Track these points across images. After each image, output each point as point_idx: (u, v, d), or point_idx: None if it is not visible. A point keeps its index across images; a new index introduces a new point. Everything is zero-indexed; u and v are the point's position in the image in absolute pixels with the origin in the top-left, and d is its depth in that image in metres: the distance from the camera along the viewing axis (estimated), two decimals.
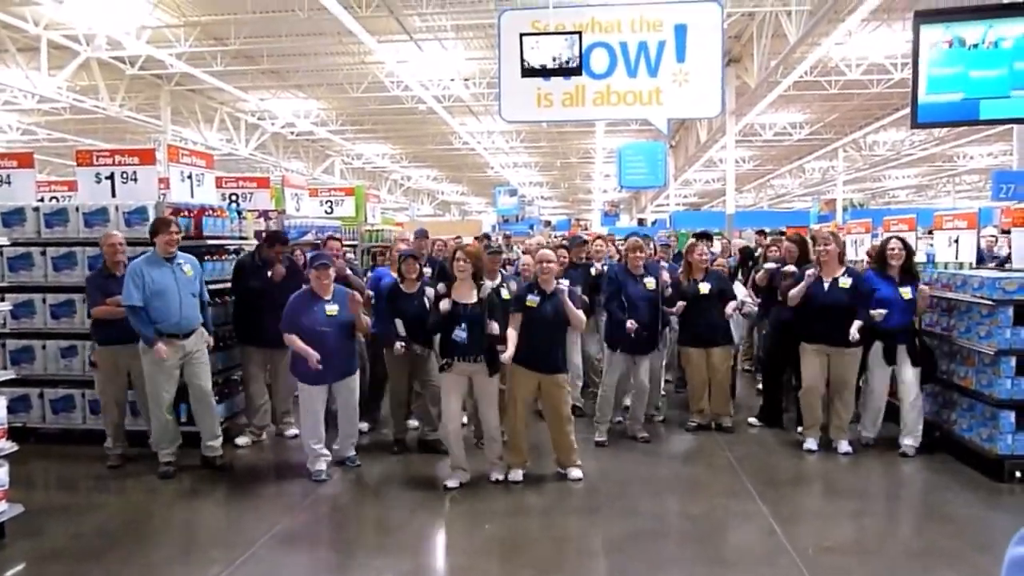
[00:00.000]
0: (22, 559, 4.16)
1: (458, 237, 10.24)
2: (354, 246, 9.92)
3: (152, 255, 5.32)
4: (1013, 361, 5.22)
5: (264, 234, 6.43)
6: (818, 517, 4.78)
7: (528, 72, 7.98)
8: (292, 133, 24.76)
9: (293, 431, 6.38)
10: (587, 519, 4.74)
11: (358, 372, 5.55)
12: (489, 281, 5.49)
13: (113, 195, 6.17)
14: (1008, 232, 8.56)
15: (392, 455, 5.93)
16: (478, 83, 18.34)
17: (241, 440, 6.22)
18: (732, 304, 6.38)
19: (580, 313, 5.31)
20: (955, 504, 4.88)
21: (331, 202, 11.14)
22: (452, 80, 17.35)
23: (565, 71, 7.90)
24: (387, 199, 34.77)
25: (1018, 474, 5.13)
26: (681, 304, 6.25)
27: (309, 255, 6.21)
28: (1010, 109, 5.45)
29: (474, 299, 5.13)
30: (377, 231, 11.03)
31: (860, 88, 17.88)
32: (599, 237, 8.48)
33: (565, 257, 6.99)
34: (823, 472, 5.58)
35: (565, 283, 5.40)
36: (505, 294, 5.32)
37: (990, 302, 5.27)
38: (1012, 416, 5.17)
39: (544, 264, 5.27)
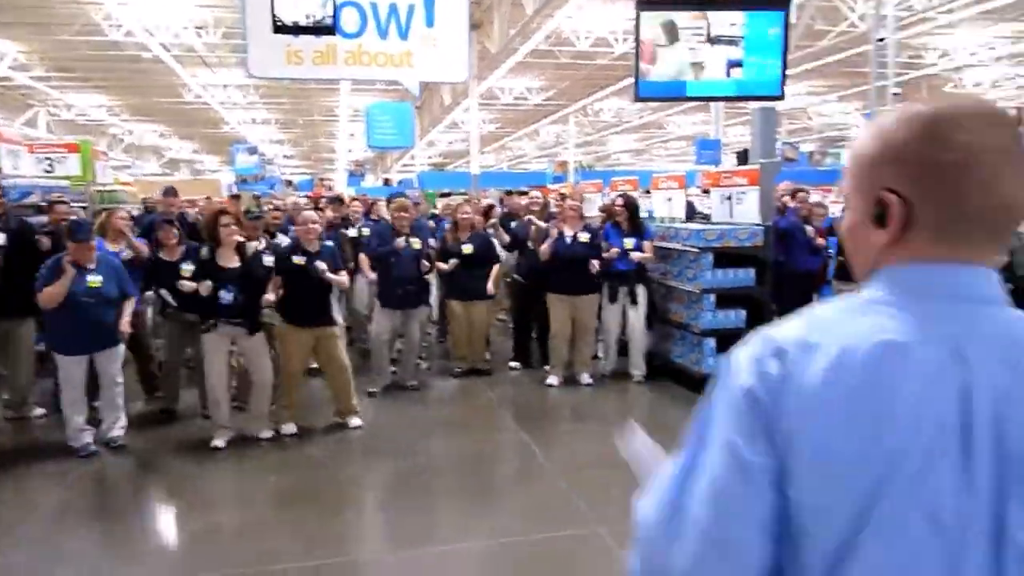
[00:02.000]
0: None
1: (207, 197, 9.80)
2: (85, 207, 9.07)
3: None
4: (713, 297, 6.35)
5: None
6: (569, 438, 5.54)
7: (280, 29, 7.85)
8: None
9: (39, 411, 5.87)
10: (367, 462, 5.06)
11: (121, 345, 5.26)
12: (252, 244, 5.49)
13: None
14: (708, 192, 10.15)
15: (160, 426, 5.74)
16: (213, 32, 17.18)
17: None
18: (496, 267, 6.94)
19: (340, 276, 5.54)
20: (674, 416, 5.90)
21: (51, 160, 9.98)
22: (185, 28, 16.09)
23: (318, 29, 7.89)
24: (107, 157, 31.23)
25: None
26: (454, 262, 6.68)
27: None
28: (710, 89, 6.52)
29: (237, 262, 5.13)
30: (109, 191, 10.15)
31: (587, 59, 19.50)
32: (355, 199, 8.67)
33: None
34: (571, 402, 6.39)
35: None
36: (268, 261, 5.34)
37: (696, 249, 6.34)
38: (713, 342, 6.31)
39: (308, 225, 5.41)
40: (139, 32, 15.22)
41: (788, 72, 6.85)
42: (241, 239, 5.16)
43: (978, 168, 0.85)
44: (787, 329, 0.89)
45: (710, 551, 0.83)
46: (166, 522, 4.19)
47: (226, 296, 4.96)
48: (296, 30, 7.74)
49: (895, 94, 12.40)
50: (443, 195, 16.24)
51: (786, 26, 6.17)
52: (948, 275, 0.88)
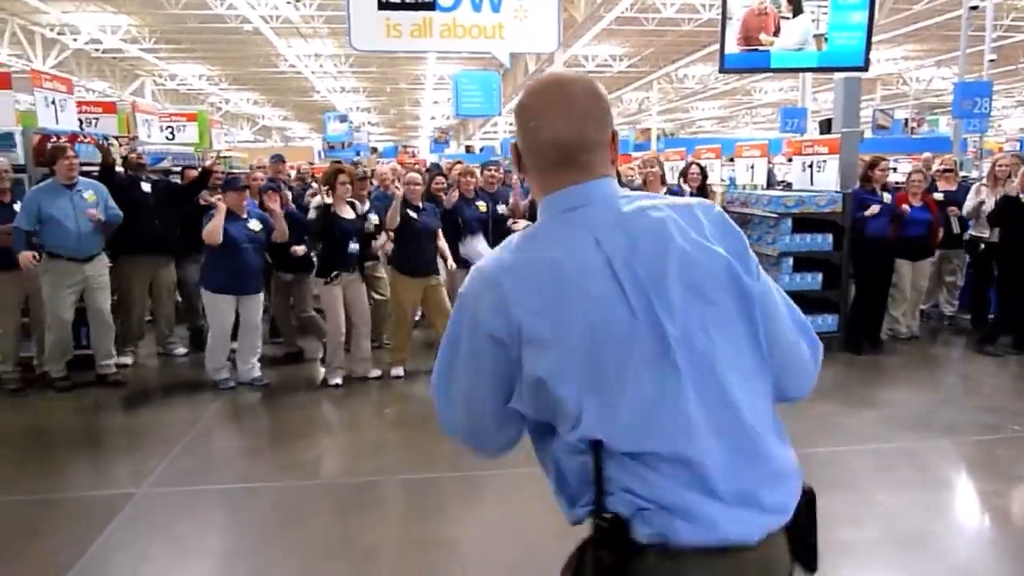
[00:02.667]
0: None
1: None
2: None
3: (52, 182, 5.43)
4: (791, 260, 6.66)
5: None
6: None
7: (384, 6, 8.38)
8: (97, 50, 22.83)
9: (181, 349, 6.73)
10: None
11: (262, 293, 6.00)
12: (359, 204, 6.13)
13: None
14: (791, 160, 10.30)
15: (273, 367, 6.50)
16: (308, 4, 17.98)
17: (124, 360, 6.47)
18: None
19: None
20: None
21: (172, 128, 10.91)
22: (287, 2, 16.91)
23: (420, 5, 8.38)
24: None
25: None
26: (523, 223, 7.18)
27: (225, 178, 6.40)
28: (794, 60, 6.75)
29: (353, 216, 5.78)
30: (225, 158, 11.01)
31: (672, 26, 19.46)
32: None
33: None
34: None
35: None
36: (374, 219, 5.95)
37: (775, 215, 6.64)
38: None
39: (412, 185, 5.99)
40: (241, 5, 16.09)
41: (883, 37, 6.96)
42: (354, 199, 5.79)
43: (535, 119, 1.30)
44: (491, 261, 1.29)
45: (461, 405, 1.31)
46: (300, 442, 4.87)
47: (353, 247, 5.61)
48: (399, 6, 8.28)
49: (991, 60, 12.10)
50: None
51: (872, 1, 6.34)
52: (565, 195, 1.30)
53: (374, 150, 32.27)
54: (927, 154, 8.96)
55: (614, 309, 1.20)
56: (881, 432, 4.67)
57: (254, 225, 5.71)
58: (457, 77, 16.50)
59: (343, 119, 28.88)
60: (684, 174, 7.23)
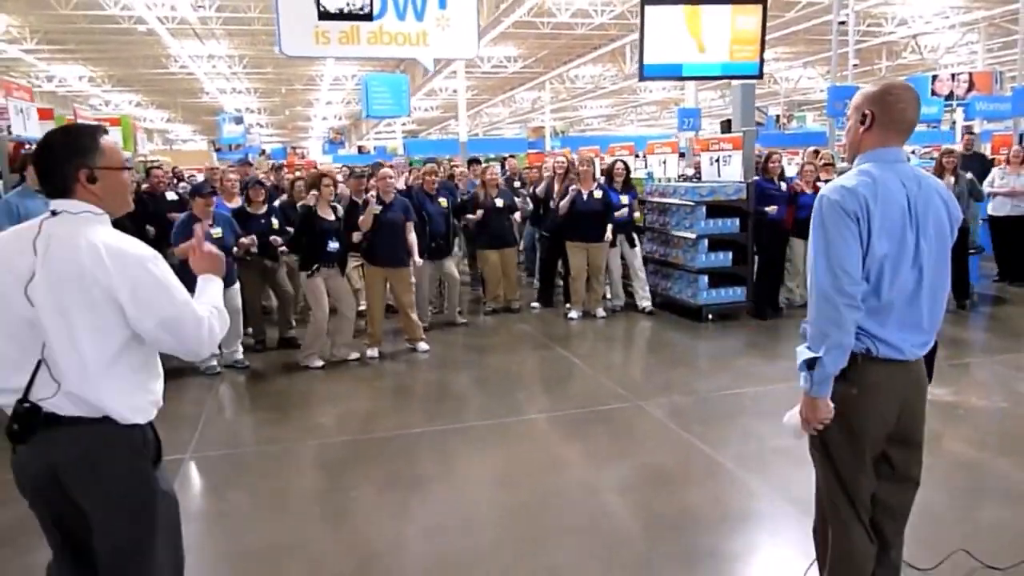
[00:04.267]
0: None
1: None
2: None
3: (23, 189, 5.70)
4: (706, 242, 7.72)
5: None
6: (597, 352, 6.97)
7: (324, 16, 8.90)
8: None
9: None
10: (444, 372, 6.42)
11: (238, 283, 6.47)
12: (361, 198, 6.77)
13: None
14: (683, 155, 11.55)
15: (256, 352, 6.99)
16: (208, 6, 17.95)
17: None
18: (518, 214, 8.26)
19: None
20: (673, 337, 7.35)
21: None
22: (196, 5, 16.88)
23: (359, 16, 8.96)
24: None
25: (710, 317, 7.73)
26: (480, 213, 7.98)
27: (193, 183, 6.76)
28: (702, 70, 7.84)
29: (332, 216, 6.38)
30: (152, 163, 11.16)
31: (567, 29, 20.60)
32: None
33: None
34: (591, 329, 7.74)
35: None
36: (374, 207, 6.52)
37: (691, 203, 7.70)
38: (705, 279, 7.71)
39: (386, 180, 6.66)
40: (140, 7, 15.92)
41: None
42: (364, 199, 6.44)
43: (903, 103, 2.20)
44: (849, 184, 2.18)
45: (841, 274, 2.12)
46: (311, 410, 5.47)
47: (332, 245, 6.20)
48: (339, 16, 8.82)
49: (855, 64, 13.88)
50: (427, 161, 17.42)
51: (764, 18, 7.48)
52: (890, 153, 2.20)
53: (263, 152, 31.99)
54: (811, 148, 10.37)
55: (906, 226, 2.15)
56: (791, 375, 5.76)
57: (216, 232, 6.06)
58: (367, 79, 16.89)
59: (239, 121, 28.51)
60: (610, 170, 8.19)
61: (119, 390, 1.98)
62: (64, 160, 1.98)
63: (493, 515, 3.80)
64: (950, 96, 15.33)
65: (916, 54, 23.64)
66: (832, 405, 2.17)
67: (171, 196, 7.71)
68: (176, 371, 6.35)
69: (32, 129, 6.75)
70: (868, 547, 2.25)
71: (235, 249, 6.25)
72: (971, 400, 5.25)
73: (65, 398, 1.92)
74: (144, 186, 7.69)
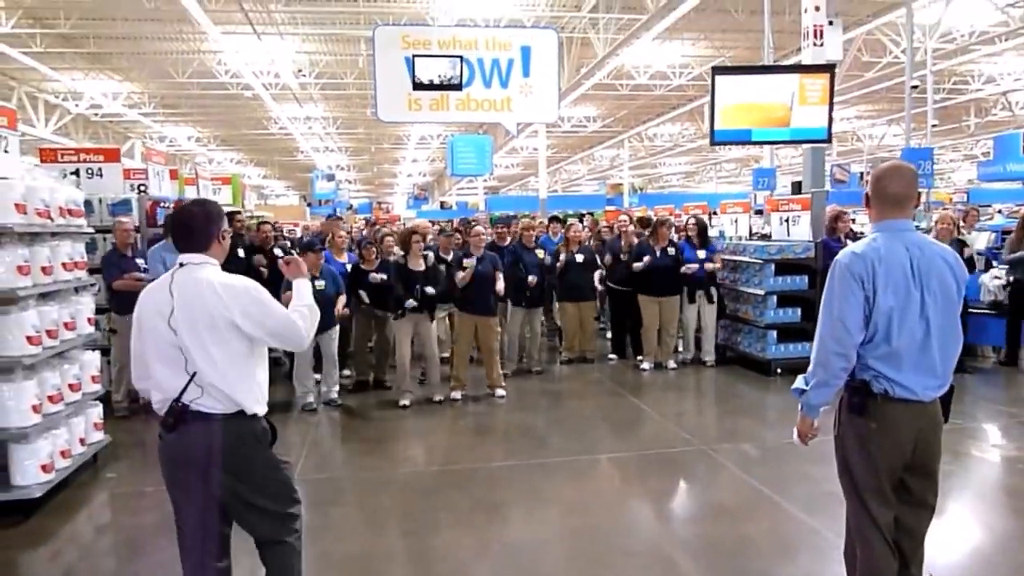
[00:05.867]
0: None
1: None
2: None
3: (167, 243, 6.55)
4: (774, 299, 8.00)
5: None
6: (667, 401, 7.30)
7: (418, 86, 9.71)
8: (96, 114, 23.93)
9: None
10: (522, 414, 6.87)
11: (337, 327, 7.14)
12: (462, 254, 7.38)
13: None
14: (760, 213, 11.82)
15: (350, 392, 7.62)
16: (308, 74, 19.40)
17: None
18: (598, 272, 8.73)
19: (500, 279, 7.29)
20: (743, 389, 7.60)
21: (213, 190, 12.09)
22: (298, 72, 18.28)
23: (450, 87, 9.73)
24: None
25: (779, 371, 7.94)
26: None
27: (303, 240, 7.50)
28: (771, 135, 8.23)
29: (423, 267, 7.00)
30: (257, 218, 12.17)
31: (645, 91, 21.25)
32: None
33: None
34: (662, 380, 8.07)
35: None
36: (470, 263, 7.10)
37: (760, 261, 8.02)
38: (774, 334, 7.97)
39: (479, 236, 7.29)
40: (248, 76, 17.37)
41: (838, 99, 8.34)
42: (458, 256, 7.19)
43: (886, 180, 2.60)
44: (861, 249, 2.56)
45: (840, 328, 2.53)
46: (400, 444, 6.05)
47: (425, 290, 6.82)
48: (433, 87, 9.63)
49: (934, 125, 13.94)
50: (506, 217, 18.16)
51: (831, 85, 7.82)
52: (895, 224, 2.58)
53: (350, 207, 33.62)
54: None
55: (909, 283, 2.50)
56: None
57: (319, 284, 6.67)
58: (453, 141, 17.81)
59: (331, 178, 30.17)
60: (685, 227, 8.59)
61: (246, 388, 2.69)
62: (209, 224, 2.78)
63: (564, 537, 4.21)
64: None
65: (1007, 111, 23.21)
66: (817, 424, 2.68)
67: (278, 252, 8.43)
68: (280, 405, 7.04)
69: (165, 189, 7.68)
70: (892, 563, 2.57)
71: (337, 308, 6.89)
72: None
73: (209, 398, 2.62)
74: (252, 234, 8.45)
